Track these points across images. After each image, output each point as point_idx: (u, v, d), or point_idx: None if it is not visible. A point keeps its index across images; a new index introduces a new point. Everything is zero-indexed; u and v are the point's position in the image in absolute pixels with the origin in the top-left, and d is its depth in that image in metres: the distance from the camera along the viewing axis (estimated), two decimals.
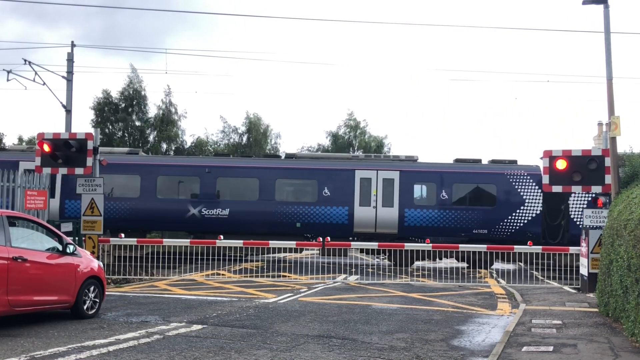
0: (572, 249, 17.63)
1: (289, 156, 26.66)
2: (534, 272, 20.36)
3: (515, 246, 18.90)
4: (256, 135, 47.60)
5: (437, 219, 23.96)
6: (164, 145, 45.41)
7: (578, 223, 22.22)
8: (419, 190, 24.49)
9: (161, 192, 24.68)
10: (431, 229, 23.74)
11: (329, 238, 18.64)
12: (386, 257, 24.61)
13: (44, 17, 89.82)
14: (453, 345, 8.95)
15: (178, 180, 25.15)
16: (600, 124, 40.71)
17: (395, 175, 24.22)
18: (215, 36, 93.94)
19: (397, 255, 22.47)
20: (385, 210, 24.00)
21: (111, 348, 8.14)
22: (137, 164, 24.96)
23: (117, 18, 79.11)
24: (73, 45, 27.79)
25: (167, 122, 45.31)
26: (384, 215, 24.00)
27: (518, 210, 23.85)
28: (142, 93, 45.25)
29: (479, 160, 25.17)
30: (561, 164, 16.29)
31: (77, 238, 16.58)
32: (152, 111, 45.85)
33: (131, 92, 44.91)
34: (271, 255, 24.56)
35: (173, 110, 46.06)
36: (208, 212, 24.12)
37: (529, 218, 23.81)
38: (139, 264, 18.83)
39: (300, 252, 26.13)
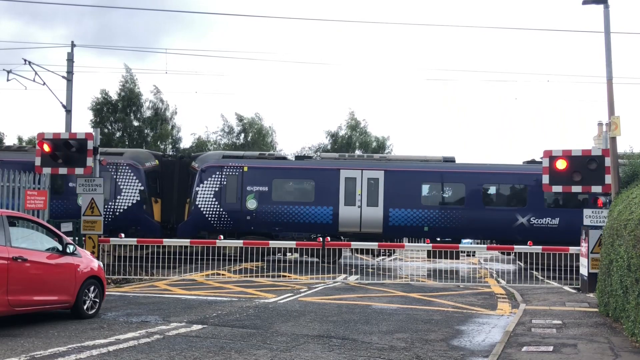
0: (572, 249, 17.61)
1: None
2: (534, 272, 20.36)
3: (515, 246, 18.86)
4: (253, 135, 47.62)
5: None
6: (162, 146, 45.35)
7: None
8: None
9: (488, 201, 24.41)
10: None
11: (329, 238, 18.58)
12: None
13: (38, 17, 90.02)
14: (453, 345, 8.95)
15: (505, 189, 24.85)
16: (600, 124, 40.77)
17: None
18: (213, 36, 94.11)
19: None
20: None
21: (111, 348, 8.14)
22: (461, 172, 24.59)
23: (112, 18, 79.18)
24: (73, 45, 27.71)
25: (160, 120, 45.27)
26: None
27: None
28: (137, 90, 45.20)
29: None
30: (561, 164, 16.26)
31: (77, 238, 16.59)
32: (148, 111, 45.86)
33: (127, 92, 44.90)
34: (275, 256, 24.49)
35: (163, 107, 46.03)
36: (537, 221, 23.56)
37: None
38: (139, 264, 18.83)
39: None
